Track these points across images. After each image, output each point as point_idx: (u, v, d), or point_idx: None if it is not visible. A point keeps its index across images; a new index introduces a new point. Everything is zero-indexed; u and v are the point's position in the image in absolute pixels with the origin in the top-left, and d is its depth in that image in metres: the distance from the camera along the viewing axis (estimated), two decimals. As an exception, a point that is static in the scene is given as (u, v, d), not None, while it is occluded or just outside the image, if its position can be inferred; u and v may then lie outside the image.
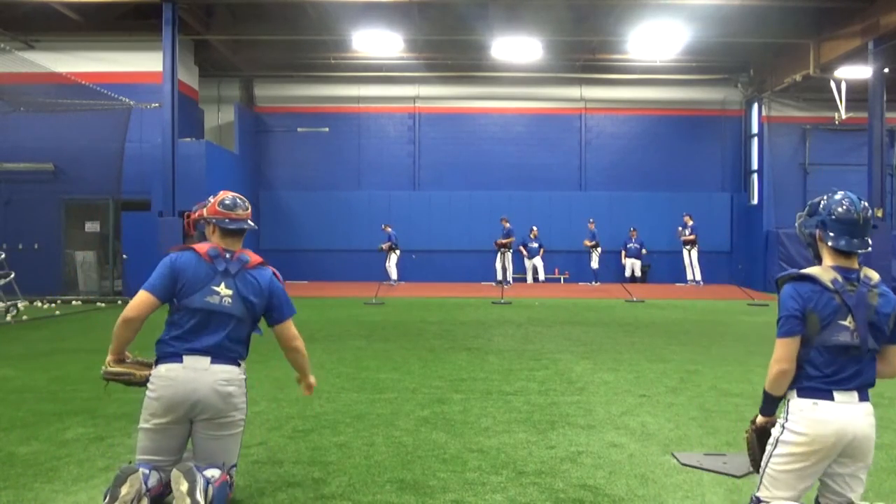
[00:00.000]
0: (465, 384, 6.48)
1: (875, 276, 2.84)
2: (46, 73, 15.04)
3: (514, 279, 20.28)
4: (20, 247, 15.69)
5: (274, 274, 3.59)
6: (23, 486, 3.81)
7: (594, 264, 19.56)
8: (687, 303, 15.31)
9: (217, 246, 3.53)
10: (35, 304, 13.88)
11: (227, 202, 3.59)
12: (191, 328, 3.42)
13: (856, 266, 2.84)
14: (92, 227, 16.15)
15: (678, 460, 4.29)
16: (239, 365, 3.49)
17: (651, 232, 20.16)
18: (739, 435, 4.87)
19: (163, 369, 3.39)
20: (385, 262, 19.15)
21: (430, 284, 19.31)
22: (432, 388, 6.29)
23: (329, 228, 20.64)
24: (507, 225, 18.93)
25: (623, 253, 20.16)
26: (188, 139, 16.66)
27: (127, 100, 15.60)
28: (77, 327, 11.10)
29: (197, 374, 3.35)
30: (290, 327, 3.61)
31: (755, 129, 20.83)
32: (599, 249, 19.57)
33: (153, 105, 15.49)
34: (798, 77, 17.65)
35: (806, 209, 3.00)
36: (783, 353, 2.79)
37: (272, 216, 20.85)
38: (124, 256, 15.89)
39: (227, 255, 3.49)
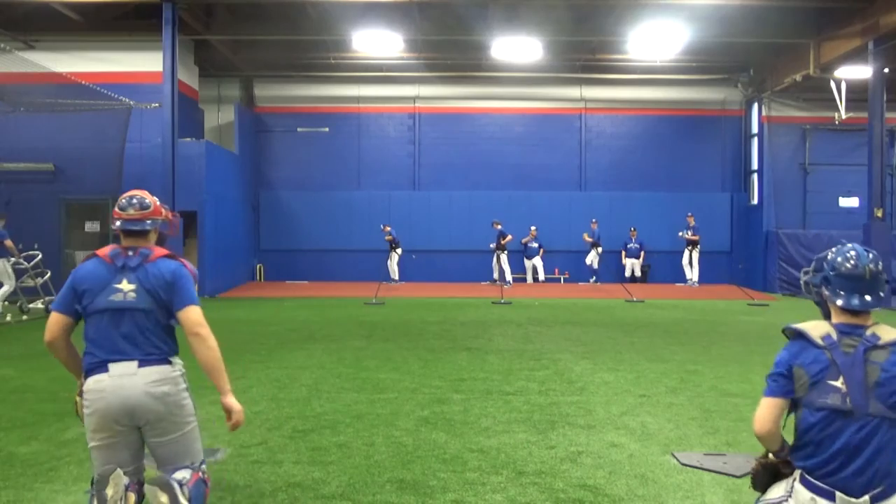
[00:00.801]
0: (465, 384, 6.48)
1: (889, 334, 2.47)
2: (46, 73, 15.03)
3: (514, 279, 20.28)
4: (20, 247, 15.69)
5: (183, 265, 3.39)
6: (23, 486, 3.81)
7: (595, 264, 19.48)
8: (687, 303, 15.31)
9: (118, 246, 3.37)
10: (35, 304, 13.88)
11: (121, 203, 3.41)
12: (106, 334, 3.23)
13: (867, 322, 2.51)
14: (92, 227, 16.15)
15: (678, 460, 4.29)
16: (170, 362, 3.30)
17: (651, 232, 20.16)
18: (739, 435, 4.87)
19: (91, 382, 3.20)
20: (387, 262, 19.16)
21: (431, 284, 19.31)
22: (432, 388, 6.29)
23: (329, 228, 20.63)
24: (499, 227, 18.93)
25: (623, 253, 20.17)
26: (188, 139, 16.66)
27: (127, 100, 15.59)
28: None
29: (125, 380, 3.16)
30: (192, 313, 3.31)
31: (755, 129, 20.83)
32: (600, 249, 19.55)
33: (153, 105, 15.49)
34: (798, 77, 17.65)
35: (812, 264, 2.72)
36: (763, 412, 2.55)
37: (272, 216, 20.86)
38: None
39: (129, 253, 3.32)
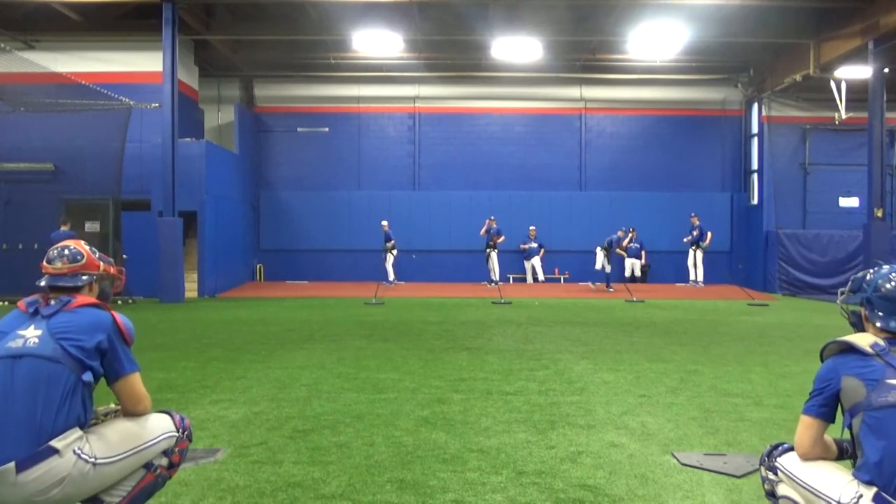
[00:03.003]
0: (465, 384, 6.48)
1: None
2: (46, 73, 15.04)
3: (514, 279, 20.29)
4: (20, 247, 15.69)
5: (114, 320, 2.82)
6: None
7: (608, 267, 18.07)
8: (687, 303, 15.31)
9: (40, 295, 2.90)
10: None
11: (49, 254, 2.99)
12: None
13: None
14: (92, 227, 16.14)
15: (678, 460, 4.29)
16: (58, 451, 2.54)
17: (651, 232, 20.16)
18: (739, 435, 4.87)
19: None
20: (383, 262, 19.15)
21: (430, 284, 19.32)
22: (432, 388, 6.29)
23: (329, 228, 20.64)
24: (495, 225, 18.91)
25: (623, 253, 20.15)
26: (188, 139, 16.66)
27: (127, 100, 15.59)
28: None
29: (3, 489, 2.48)
30: (132, 385, 2.82)
31: (755, 129, 20.84)
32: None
33: (153, 105, 15.49)
34: (798, 77, 17.66)
35: (849, 284, 2.79)
36: (803, 436, 2.58)
37: (272, 216, 20.87)
38: (124, 256, 15.87)
39: (51, 302, 2.85)
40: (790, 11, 16.20)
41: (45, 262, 2.97)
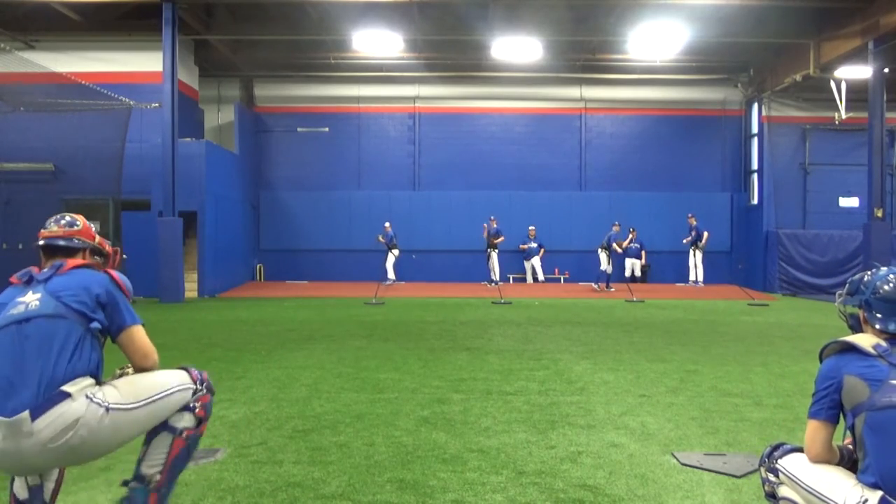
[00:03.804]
0: (465, 384, 6.48)
1: None
2: (46, 73, 15.03)
3: (514, 279, 20.29)
4: (20, 247, 15.68)
5: (110, 276, 2.89)
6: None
7: (609, 267, 18.06)
8: (687, 303, 15.31)
9: (31, 267, 2.95)
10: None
11: (47, 222, 3.08)
12: (2, 369, 2.59)
13: None
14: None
15: (678, 460, 4.29)
16: (70, 395, 2.57)
17: (651, 232, 20.16)
18: (739, 435, 4.87)
19: None
20: (384, 262, 19.16)
21: (430, 284, 19.32)
22: (432, 388, 6.29)
23: (329, 228, 20.65)
24: (495, 225, 18.91)
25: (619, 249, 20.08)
26: (188, 139, 16.66)
27: (127, 100, 15.59)
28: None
29: (17, 443, 2.49)
30: (137, 338, 2.86)
31: (755, 129, 20.84)
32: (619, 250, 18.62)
33: (153, 105, 15.49)
34: (798, 77, 17.66)
35: (846, 287, 2.79)
36: (813, 440, 2.56)
37: (272, 216, 20.87)
38: (124, 256, 15.85)
39: (44, 270, 2.90)
40: (790, 11, 16.20)
41: (42, 230, 3.04)
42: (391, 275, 19.05)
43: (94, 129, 15.63)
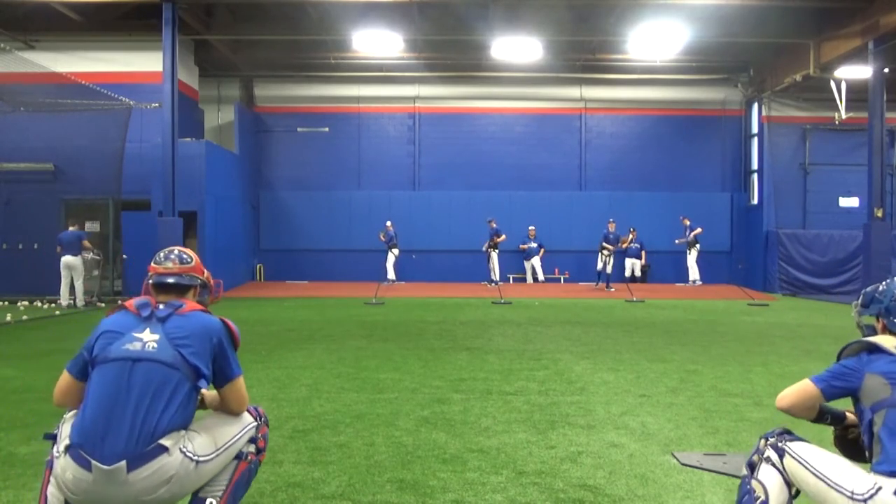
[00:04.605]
0: (465, 384, 6.48)
1: None
2: (46, 73, 15.03)
3: (514, 279, 20.28)
4: (20, 247, 15.69)
5: (226, 326, 2.94)
6: (23, 486, 3.81)
7: (608, 267, 18.00)
8: (687, 303, 15.31)
9: (147, 297, 2.97)
10: (35, 303, 13.89)
11: (157, 257, 3.09)
12: (103, 404, 2.59)
13: None
14: (92, 227, 16.15)
15: (678, 460, 4.29)
16: (167, 449, 2.58)
17: (651, 232, 20.15)
18: (739, 435, 4.87)
19: (69, 471, 2.52)
20: (384, 262, 19.15)
21: (430, 284, 19.31)
22: (432, 388, 6.29)
23: (329, 228, 20.64)
24: (494, 225, 18.91)
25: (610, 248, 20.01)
26: (188, 139, 16.66)
27: (127, 100, 15.60)
28: (77, 327, 11.10)
29: (107, 489, 2.50)
30: (238, 388, 2.94)
31: (755, 129, 20.83)
32: (612, 249, 18.44)
33: (153, 105, 15.49)
34: (798, 77, 17.65)
35: (860, 298, 2.89)
36: (794, 392, 2.69)
37: (272, 216, 20.87)
38: (124, 256, 15.88)
39: (160, 306, 2.89)
40: (790, 11, 16.19)
41: (153, 264, 3.06)
42: (391, 275, 19.04)
43: (94, 130, 15.65)
